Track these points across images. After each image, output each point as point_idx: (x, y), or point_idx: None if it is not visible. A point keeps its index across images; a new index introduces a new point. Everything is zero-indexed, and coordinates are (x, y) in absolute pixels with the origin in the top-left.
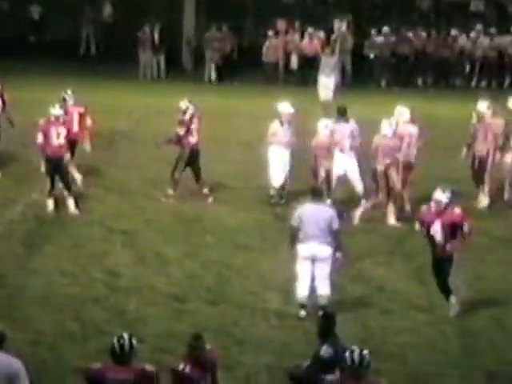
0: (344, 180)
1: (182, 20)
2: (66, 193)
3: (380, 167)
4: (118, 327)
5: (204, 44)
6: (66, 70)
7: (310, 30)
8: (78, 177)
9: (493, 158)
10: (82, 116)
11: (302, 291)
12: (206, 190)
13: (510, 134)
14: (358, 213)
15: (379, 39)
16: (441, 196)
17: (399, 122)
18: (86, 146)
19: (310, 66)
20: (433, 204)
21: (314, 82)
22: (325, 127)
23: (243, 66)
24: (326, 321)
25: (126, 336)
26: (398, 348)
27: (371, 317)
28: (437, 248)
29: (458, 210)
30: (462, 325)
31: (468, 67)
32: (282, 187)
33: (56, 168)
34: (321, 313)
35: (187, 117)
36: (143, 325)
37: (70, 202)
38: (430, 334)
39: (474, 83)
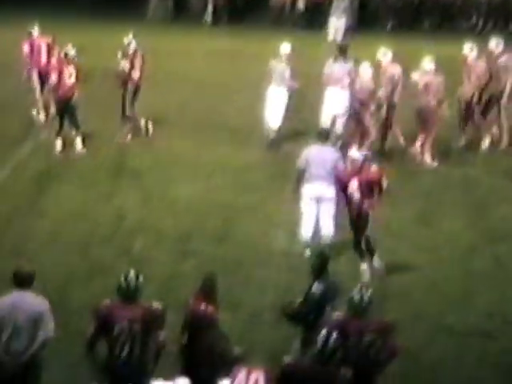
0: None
1: None
2: (74, 132)
3: (433, 103)
4: (124, 266)
5: None
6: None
7: None
8: (41, 116)
9: (477, 100)
10: (50, 47)
11: (306, 231)
12: (128, 127)
13: (492, 76)
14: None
15: None
16: (356, 154)
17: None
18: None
19: (316, 8)
20: (348, 163)
21: (320, 24)
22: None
23: (250, 8)
24: (318, 258)
25: (132, 273)
26: (401, 287)
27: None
28: (353, 207)
29: (374, 167)
30: (463, 266)
31: (474, 11)
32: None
33: (66, 108)
34: None
35: (130, 52)
36: (149, 265)
37: (78, 141)
38: (433, 274)
39: (479, 27)
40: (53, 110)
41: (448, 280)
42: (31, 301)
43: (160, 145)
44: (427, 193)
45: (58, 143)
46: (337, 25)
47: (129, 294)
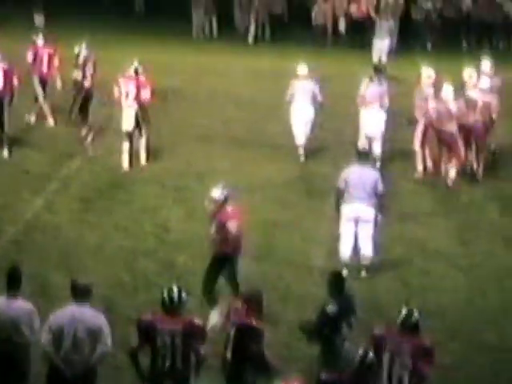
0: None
1: None
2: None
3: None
4: (167, 280)
5: (252, 3)
6: (119, 27)
7: None
8: (50, 121)
9: None
10: (51, 57)
11: (345, 251)
12: (84, 131)
13: None
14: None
15: (427, 4)
16: (217, 193)
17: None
18: (58, 84)
19: (357, 29)
20: (210, 202)
21: (361, 45)
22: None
23: (293, 28)
24: (334, 279)
25: (175, 288)
26: (438, 307)
27: (412, 276)
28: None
29: (229, 208)
30: (500, 283)
31: None
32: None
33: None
34: (363, 273)
35: (81, 61)
36: (192, 278)
37: (143, 156)
38: (469, 292)
39: None
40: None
41: (484, 298)
42: (90, 314)
43: (202, 162)
44: (464, 211)
45: (125, 159)
46: (380, 46)
47: (172, 309)
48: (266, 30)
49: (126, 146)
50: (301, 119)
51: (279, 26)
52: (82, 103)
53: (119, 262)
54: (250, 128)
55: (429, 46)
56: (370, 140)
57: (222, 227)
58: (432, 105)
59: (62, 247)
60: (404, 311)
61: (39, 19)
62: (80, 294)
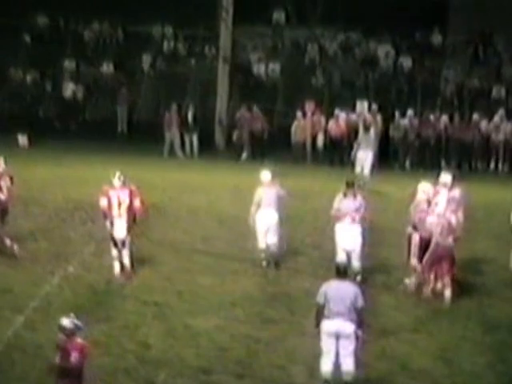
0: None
1: (215, 101)
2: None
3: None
4: None
5: (235, 123)
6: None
7: (336, 111)
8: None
9: None
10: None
11: (326, 367)
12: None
13: None
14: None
15: (404, 122)
16: (66, 322)
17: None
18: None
19: (335, 146)
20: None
21: (340, 162)
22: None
23: (273, 146)
24: None
25: None
26: None
27: None
28: None
29: (78, 340)
30: None
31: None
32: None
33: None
34: None
35: None
36: None
37: (127, 264)
38: None
39: (492, 166)
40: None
41: None
42: None
43: (183, 277)
44: (447, 330)
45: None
46: (363, 157)
47: None
48: (247, 149)
49: (115, 253)
50: (264, 223)
51: (259, 144)
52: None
53: (99, 381)
54: (230, 244)
55: (407, 164)
56: (348, 254)
57: (66, 356)
58: (433, 219)
59: (42, 367)
60: None
61: (22, 139)
62: None
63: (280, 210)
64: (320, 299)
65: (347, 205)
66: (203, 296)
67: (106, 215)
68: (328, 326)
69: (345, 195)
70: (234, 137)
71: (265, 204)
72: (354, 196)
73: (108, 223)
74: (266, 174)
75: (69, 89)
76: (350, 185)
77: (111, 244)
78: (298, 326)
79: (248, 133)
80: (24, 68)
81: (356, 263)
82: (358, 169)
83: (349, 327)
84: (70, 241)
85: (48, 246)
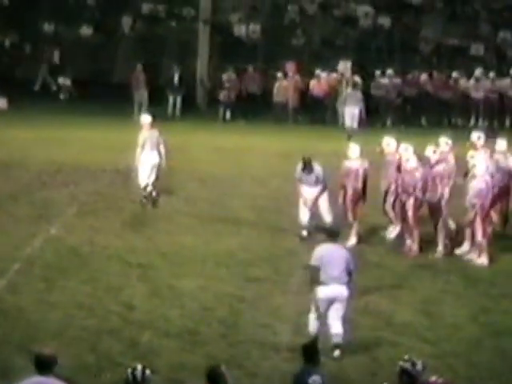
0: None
1: (195, 62)
2: None
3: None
4: (132, 359)
5: (218, 85)
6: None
7: (317, 71)
8: None
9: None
10: None
11: (315, 328)
12: None
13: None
14: None
15: (384, 80)
16: None
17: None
18: None
19: (317, 106)
20: None
21: (322, 121)
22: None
23: (254, 106)
24: (311, 348)
25: (139, 367)
26: None
27: (380, 349)
28: None
29: None
30: (467, 357)
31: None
32: None
33: None
34: (336, 352)
35: None
36: (157, 356)
37: None
38: (437, 366)
39: (472, 123)
40: None
41: (451, 370)
42: None
43: (166, 239)
44: (428, 284)
45: None
46: (352, 112)
47: None
48: (229, 109)
49: None
50: (148, 164)
51: (240, 104)
52: None
53: (83, 342)
54: (213, 204)
55: (388, 122)
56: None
57: None
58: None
59: (24, 329)
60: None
61: (2, 101)
62: (43, 365)
63: (160, 152)
64: (315, 262)
65: (306, 178)
66: (187, 257)
67: None
68: (325, 291)
69: (303, 170)
70: (221, 97)
71: (148, 146)
72: (309, 172)
73: None
74: (146, 118)
75: (48, 51)
76: (307, 162)
77: None
78: (283, 285)
79: (235, 94)
80: (3, 31)
81: (328, 219)
82: (347, 122)
83: (345, 291)
84: (53, 203)
85: (30, 209)
